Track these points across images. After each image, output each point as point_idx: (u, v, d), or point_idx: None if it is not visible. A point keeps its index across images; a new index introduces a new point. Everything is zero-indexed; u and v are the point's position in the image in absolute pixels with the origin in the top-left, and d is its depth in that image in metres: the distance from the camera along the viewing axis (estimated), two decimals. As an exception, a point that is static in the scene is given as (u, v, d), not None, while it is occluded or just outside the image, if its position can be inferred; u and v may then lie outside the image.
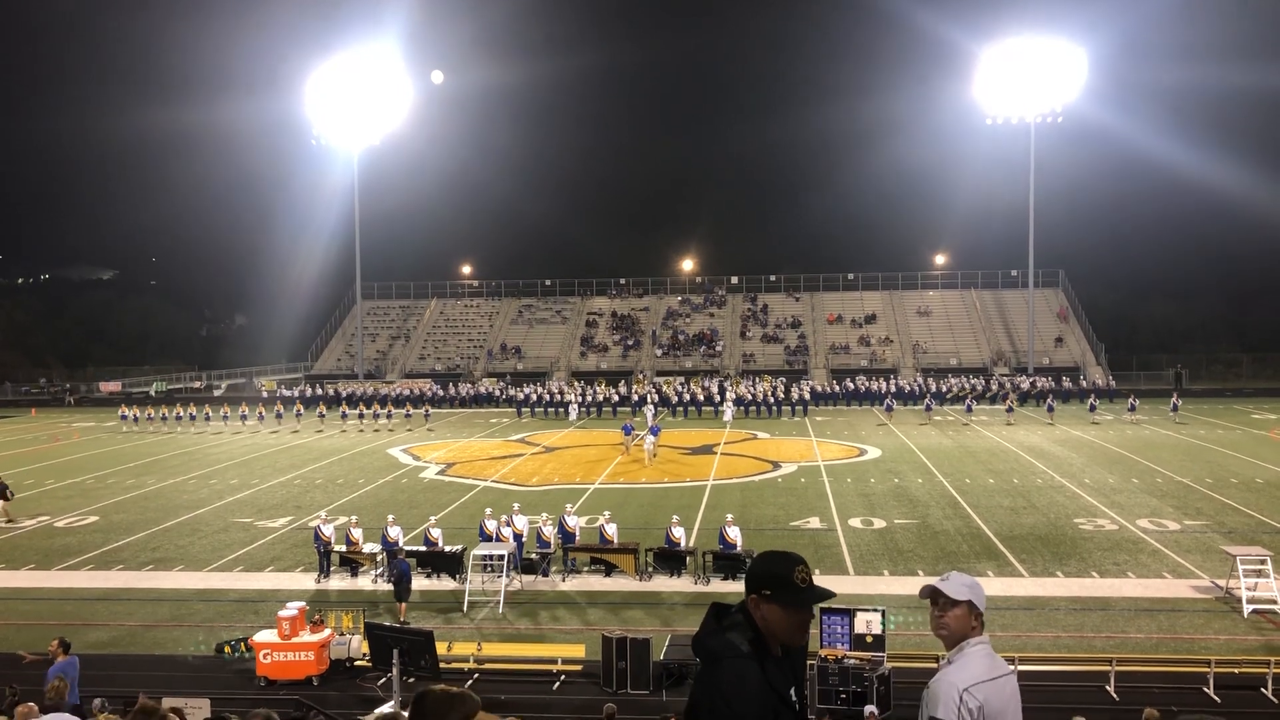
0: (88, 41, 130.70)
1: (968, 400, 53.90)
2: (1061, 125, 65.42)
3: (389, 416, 52.02)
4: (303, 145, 72.43)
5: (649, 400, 53.45)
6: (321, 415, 52.98)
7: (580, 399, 56.23)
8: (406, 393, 62.38)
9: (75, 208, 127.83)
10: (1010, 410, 49.92)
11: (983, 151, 78.29)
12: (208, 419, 53.80)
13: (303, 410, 53.90)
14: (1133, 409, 48.71)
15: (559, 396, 56.94)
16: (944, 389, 59.12)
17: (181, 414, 53.69)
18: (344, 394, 62.89)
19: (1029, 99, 63.47)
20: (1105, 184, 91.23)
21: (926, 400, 53.41)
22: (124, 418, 53.59)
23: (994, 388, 60.12)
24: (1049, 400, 51.62)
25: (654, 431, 38.96)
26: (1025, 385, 60.00)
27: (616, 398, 57.35)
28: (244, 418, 52.96)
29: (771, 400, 54.45)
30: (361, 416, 53.46)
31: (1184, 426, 45.08)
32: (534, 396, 57.05)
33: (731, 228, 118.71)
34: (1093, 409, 50.42)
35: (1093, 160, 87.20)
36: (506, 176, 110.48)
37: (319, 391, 64.29)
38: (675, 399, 56.18)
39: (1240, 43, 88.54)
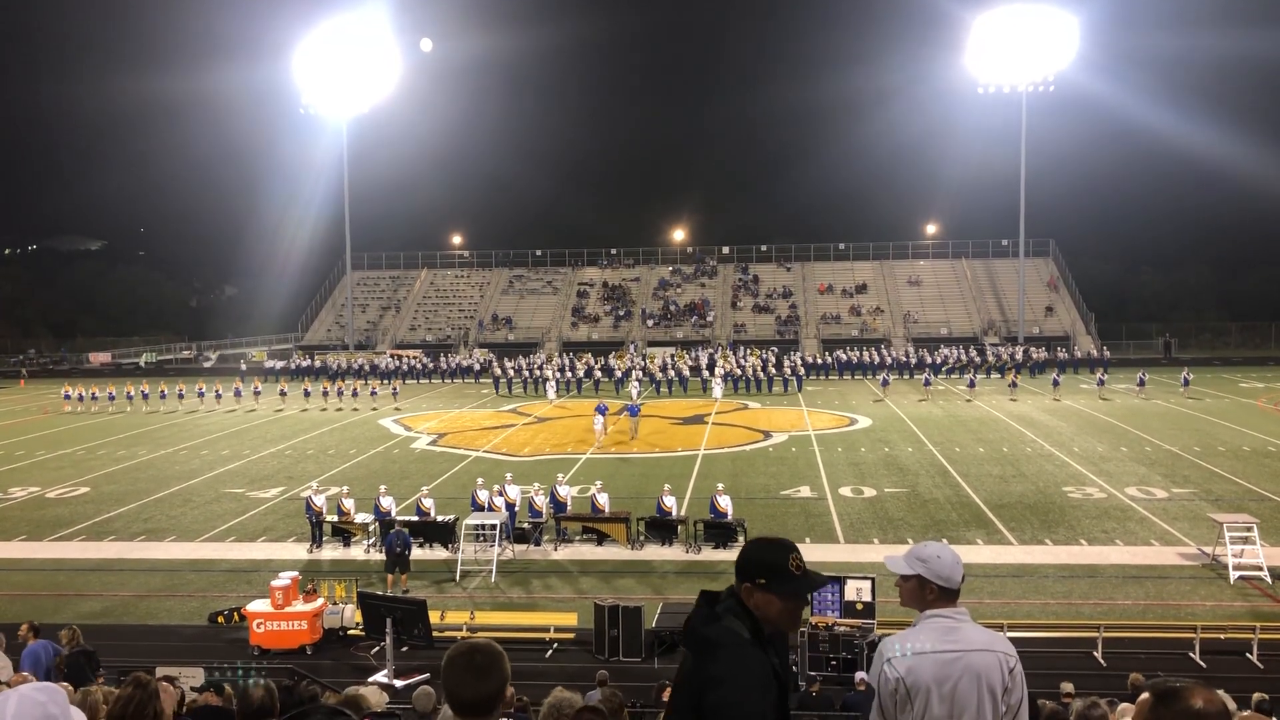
0: (74, 7, 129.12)
1: (970, 376, 51.22)
2: (1053, 94, 65.17)
3: (354, 394, 48.89)
4: (291, 114, 71.96)
5: (633, 375, 51.35)
6: (283, 393, 48.66)
7: (558, 375, 52.46)
8: (384, 365, 59.99)
9: (63, 177, 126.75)
10: (1014, 385, 48.04)
11: (974, 121, 78.15)
12: (163, 396, 49.21)
13: (260, 387, 49.74)
14: (1141, 383, 46.00)
15: (539, 372, 53.84)
16: (939, 360, 57.95)
17: (132, 393, 48.31)
18: (331, 367, 60.85)
19: (1021, 68, 63.17)
20: (1096, 153, 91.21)
21: (925, 375, 50.77)
22: (67, 397, 48.31)
23: (990, 359, 58.90)
24: (1055, 375, 49.53)
25: (632, 411, 37.13)
26: (1020, 356, 59.27)
27: (600, 373, 53.81)
28: (200, 394, 48.04)
29: (761, 376, 51.95)
30: (325, 394, 49.28)
31: (1172, 396, 44.99)
32: (511, 371, 54.30)
33: (722, 197, 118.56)
34: (1101, 383, 47.77)
35: (1084, 129, 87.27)
36: (496, 146, 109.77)
37: (304, 363, 63.23)
38: (660, 375, 52.77)
39: (1231, 11, 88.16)
